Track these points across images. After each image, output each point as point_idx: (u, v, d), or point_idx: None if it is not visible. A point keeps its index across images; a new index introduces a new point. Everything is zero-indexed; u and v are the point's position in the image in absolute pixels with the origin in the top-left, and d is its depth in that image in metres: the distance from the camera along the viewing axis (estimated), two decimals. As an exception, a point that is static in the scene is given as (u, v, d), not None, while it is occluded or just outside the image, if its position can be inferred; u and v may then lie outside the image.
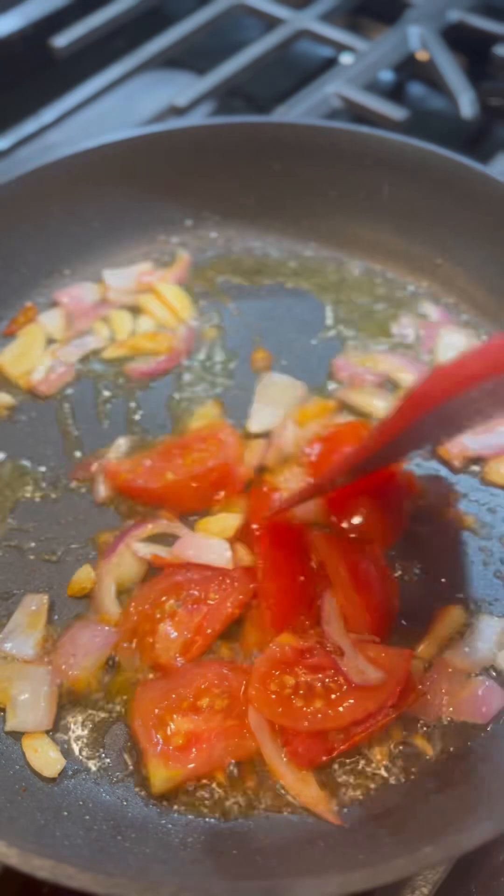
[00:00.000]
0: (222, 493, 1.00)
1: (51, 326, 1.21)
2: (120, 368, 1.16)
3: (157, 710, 0.83)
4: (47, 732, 0.86)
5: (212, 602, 0.91)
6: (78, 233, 1.25)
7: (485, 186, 1.14)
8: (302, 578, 0.92)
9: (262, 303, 1.24)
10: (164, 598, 0.91)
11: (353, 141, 1.21)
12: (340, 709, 0.81)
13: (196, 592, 0.91)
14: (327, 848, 0.76)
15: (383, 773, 0.82)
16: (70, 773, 0.83)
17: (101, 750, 0.85)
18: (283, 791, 0.81)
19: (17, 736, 0.85)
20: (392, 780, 0.82)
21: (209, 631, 0.89)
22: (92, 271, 1.26)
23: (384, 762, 0.83)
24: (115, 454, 1.06)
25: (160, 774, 0.81)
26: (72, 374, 1.16)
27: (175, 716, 0.83)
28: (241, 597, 0.91)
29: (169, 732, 0.82)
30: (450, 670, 0.87)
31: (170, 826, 0.80)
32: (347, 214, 1.26)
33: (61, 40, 1.62)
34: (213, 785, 0.82)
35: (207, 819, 0.80)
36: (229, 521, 0.98)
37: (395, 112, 1.44)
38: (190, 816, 0.80)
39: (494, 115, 1.60)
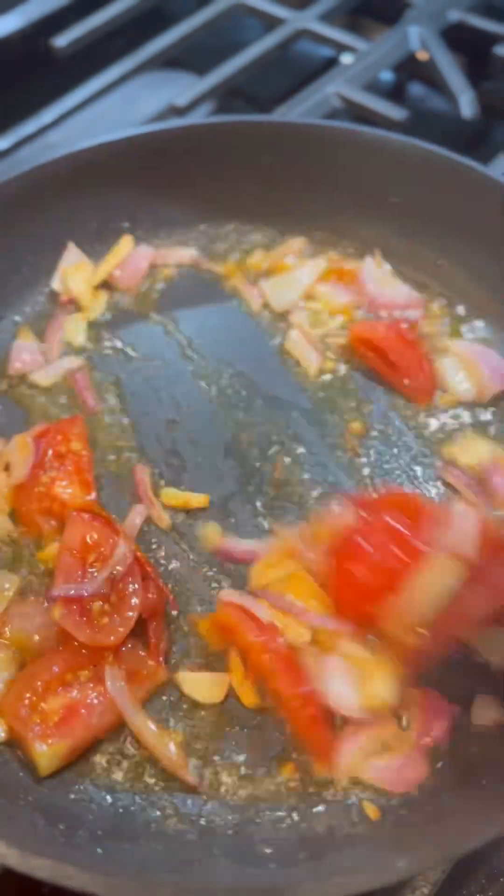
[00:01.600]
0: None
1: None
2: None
3: (27, 698, 0.83)
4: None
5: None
6: (78, 233, 1.25)
7: (485, 186, 1.14)
8: None
9: (262, 302, 1.24)
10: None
11: (354, 141, 1.21)
12: None
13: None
14: (327, 848, 0.76)
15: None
16: (71, 772, 0.83)
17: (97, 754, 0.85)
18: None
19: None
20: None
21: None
22: (92, 272, 1.26)
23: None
24: None
25: (44, 754, 0.80)
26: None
27: (47, 696, 0.83)
28: None
29: (45, 712, 0.82)
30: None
31: (169, 827, 0.80)
32: (348, 214, 1.26)
33: (61, 40, 1.62)
34: (211, 785, 0.82)
35: (207, 820, 0.80)
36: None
37: (395, 112, 1.44)
38: (190, 818, 0.80)
39: (494, 115, 1.60)
